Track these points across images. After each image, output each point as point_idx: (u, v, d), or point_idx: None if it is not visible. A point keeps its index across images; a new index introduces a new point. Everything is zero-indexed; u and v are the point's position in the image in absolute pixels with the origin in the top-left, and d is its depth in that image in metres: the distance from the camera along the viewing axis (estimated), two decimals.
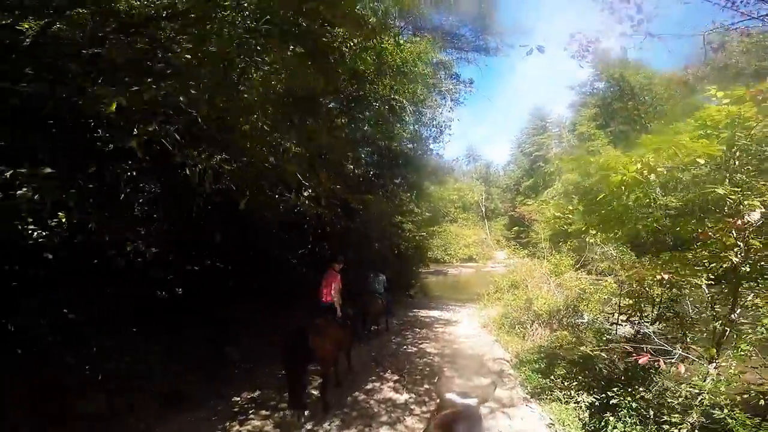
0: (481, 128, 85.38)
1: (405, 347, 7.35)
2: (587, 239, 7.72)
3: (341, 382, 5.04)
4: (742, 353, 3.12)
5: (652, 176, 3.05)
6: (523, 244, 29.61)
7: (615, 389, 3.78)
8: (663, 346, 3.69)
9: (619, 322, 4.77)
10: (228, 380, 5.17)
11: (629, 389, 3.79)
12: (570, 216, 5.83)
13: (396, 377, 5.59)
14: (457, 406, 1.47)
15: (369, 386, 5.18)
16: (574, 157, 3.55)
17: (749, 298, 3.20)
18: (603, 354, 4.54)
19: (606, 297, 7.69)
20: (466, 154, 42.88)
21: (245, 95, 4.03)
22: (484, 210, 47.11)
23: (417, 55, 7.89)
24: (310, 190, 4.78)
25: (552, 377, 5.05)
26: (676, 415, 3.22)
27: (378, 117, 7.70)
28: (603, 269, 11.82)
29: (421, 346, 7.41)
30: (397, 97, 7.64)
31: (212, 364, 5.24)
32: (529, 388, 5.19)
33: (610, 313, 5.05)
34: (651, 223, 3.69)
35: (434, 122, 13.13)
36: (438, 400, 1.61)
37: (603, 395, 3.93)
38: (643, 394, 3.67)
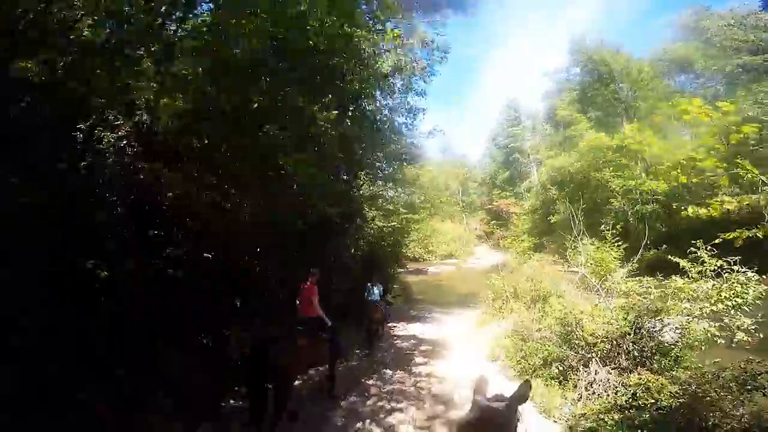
0: (455, 126, 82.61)
1: (361, 423, 3.93)
2: None
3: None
4: None
5: None
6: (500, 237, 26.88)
7: None
8: None
9: None
10: None
11: None
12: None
13: None
14: (481, 409, 1.39)
15: None
16: None
17: None
18: None
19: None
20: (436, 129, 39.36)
21: None
22: (461, 204, 44.54)
23: None
24: None
25: None
26: None
27: None
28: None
29: (389, 418, 4.02)
30: None
31: None
32: None
33: None
34: None
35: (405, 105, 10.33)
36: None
37: None
38: None
